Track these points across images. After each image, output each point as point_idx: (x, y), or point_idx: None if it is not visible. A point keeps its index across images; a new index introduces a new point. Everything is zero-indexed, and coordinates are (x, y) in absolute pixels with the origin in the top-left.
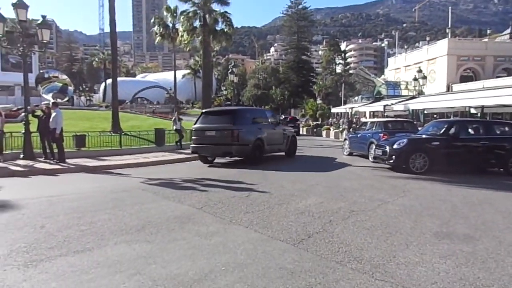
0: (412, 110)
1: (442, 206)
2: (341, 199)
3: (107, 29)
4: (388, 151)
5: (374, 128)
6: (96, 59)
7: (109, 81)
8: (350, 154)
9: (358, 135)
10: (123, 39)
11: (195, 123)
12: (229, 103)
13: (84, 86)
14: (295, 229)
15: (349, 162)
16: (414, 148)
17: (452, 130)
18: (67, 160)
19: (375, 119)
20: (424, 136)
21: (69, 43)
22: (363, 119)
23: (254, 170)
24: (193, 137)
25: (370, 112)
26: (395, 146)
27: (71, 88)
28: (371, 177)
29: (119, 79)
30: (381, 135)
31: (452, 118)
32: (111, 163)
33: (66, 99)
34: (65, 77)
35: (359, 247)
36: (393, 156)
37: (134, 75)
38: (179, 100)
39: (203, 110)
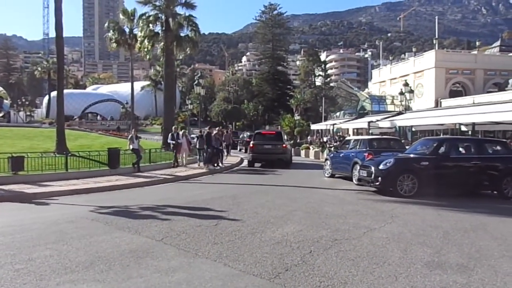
0: (399, 127)
1: (433, 233)
2: (322, 227)
3: (52, 33)
4: (373, 172)
5: (358, 146)
6: (39, 68)
7: (54, 93)
8: (332, 175)
9: (341, 155)
10: (72, 46)
11: (254, 140)
12: (196, 119)
13: (23, 100)
14: (270, 261)
15: (331, 184)
16: (402, 168)
17: (442, 149)
18: (0, 187)
19: (359, 137)
20: (412, 155)
21: (5, 49)
22: (354, 137)
23: (223, 195)
24: (251, 150)
25: (353, 129)
26: (381, 167)
27: (7, 101)
28: (355, 201)
29: (66, 91)
30: (366, 154)
31: (441, 136)
32: (55, 189)
33: (0, 114)
34: (0, 88)
35: (342, 281)
36: (379, 178)
37: (84, 87)
38: (137, 116)
39: (256, 131)
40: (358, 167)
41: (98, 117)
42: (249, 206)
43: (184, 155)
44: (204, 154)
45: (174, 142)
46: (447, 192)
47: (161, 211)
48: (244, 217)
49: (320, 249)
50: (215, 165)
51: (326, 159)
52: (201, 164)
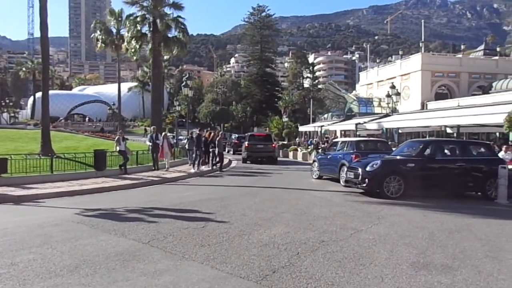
0: (386, 129)
1: (419, 234)
2: (310, 228)
3: (37, 33)
4: (360, 173)
5: (345, 148)
6: (24, 68)
7: (39, 94)
8: (320, 177)
9: (328, 157)
10: (57, 46)
11: (248, 140)
12: (183, 120)
13: (7, 101)
14: (258, 263)
15: (319, 186)
16: (389, 170)
17: (428, 151)
18: None
19: (347, 139)
20: (398, 157)
21: None
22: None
23: (211, 197)
24: (246, 149)
25: (341, 131)
26: (368, 168)
27: None
28: (342, 203)
29: (51, 92)
30: (353, 156)
31: (427, 138)
32: (40, 192)
33: None
34: None
35: (329, 282)
36: (366, 179)
37: (70, 88)
38: (124, 117)
39: (250, 134)
40: (346, 169)
41: (87, 118)
42: (237, 208)
43: (166, 158)
44: (193, 155)
45: (151, 143)
46: (433, 193)
47: (148, 214)
48: (232, 219)
49: (308, 251)
50: (213, 166)
51: (314, 161)
52: (195, 166)
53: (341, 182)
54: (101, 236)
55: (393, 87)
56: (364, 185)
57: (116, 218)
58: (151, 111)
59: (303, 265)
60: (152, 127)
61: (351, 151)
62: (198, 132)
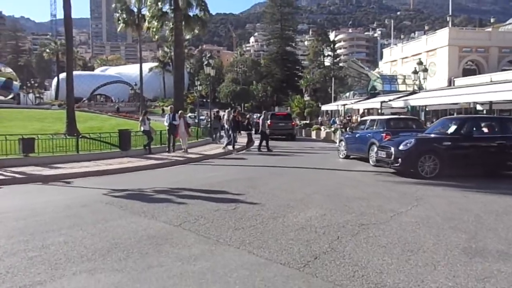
0: (412, 106)
1: (464, 217)
2: (346, 211)
3: (60, 15)
4: (393, 153)
5: (374, 126)
6: (47, 50)
7: (62, 75)
8: (347, 157)
9: (356, 135)
10: (79, 27)
11: (269, 119)
12: (203, 100)
13: (32, 82)
14: (297, 248)
15: (347, 166)
16: (423, 149)
17: (465, 129)
18: (11, 169)
19: (376, 117)
20: (433, 135)
21: (14, 31)
22: (370, 117)
23: (238, 177)
24: (269, 127)
25: (364, 109)
26: (401, 147)
27: (16, 83)
28: (375, 183)
29: (74, 73)
30: (383, 134)
31: (463, 115)
32: (67, 172)
33: (10, 96)
34: (9, 70)
35: (377, 270)
36: (399, 159)
37: (92, 69)
38: (146, 97)
39: (271, 113)
40: (376, 148)
41: (113, 98)
42: (266, 188)
43: (185, 140)
44: (217, 135)
45: (168, 123)
46: (470, 172)
47: (176, 195)
48: (263, 201)
49: (348, 235)
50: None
51: (341, 140)
52: (226, 145)
53: (371, 161)
54: (131, 218)
55: (420, 63)
56: (397, 164)
57: (144, 199)
58: (173, 90)
59: (346, 251)
60: (169, 107)
61: (382, 129)
62: (233, 114)
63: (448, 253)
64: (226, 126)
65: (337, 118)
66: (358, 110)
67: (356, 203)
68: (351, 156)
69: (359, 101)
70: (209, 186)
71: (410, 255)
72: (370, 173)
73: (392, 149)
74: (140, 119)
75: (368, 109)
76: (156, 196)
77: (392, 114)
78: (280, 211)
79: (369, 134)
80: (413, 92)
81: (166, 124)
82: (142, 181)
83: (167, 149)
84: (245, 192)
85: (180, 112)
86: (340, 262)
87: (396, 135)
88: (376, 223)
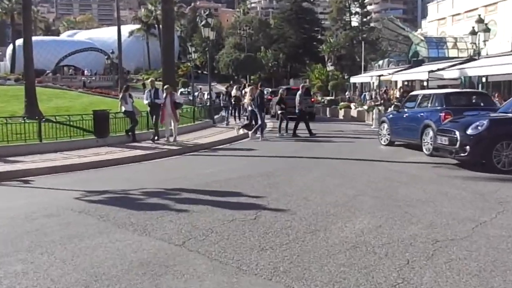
0: (468, 77)
1: None
2: (408, 220)
3: None
4: (458, 138)
5: (429, 104)
6: None
7: (19, 41)
8: (391, 143)
9: (404, 116)
10: None
11: (286, 95)
12: (198, 71)
13: None
14: (354, 280)
15: (393, 156)
16: (500, 133)
17: None
18: None
19: (430, 91)
20: None
21: None
22: (422, 92)
23: (253, 173)
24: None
25: (404, 81)
26: (469, 131)
27: None
28: (437, 179)
29: (35, 38)
30: (442, 114)
31: None
32: (26, 167)
33: None
34: None
35: None
36: (467, 147)
37: (57, 33)
38: (126, 69)
39: (287, 87)
40: (432, 132)
41: (85, 70)
42: (292, 189)
43: (171, 123)
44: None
45: (148, 102)
46: None
47: (173, 198)
48: (292, 206)
49: (421, 258)
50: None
51: (383, 122)
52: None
53: (424, 149)
54: (115, 233)
55: (480, 21)
56: (464, 154)
57: (131, 205)
58: (160, 59)
59: (424, 283)
60: (150, 80)
61: (439, 107)
62: (260, 89)
63: None
64: (249, 106)
65: (367, 93)
66: (396, 82)
67: (419, 208)
68: (396, 142)
69: (398, 71)
70: (217, 186)
71: None
72: (426, 165)
73: (457, 133)
74: (120, 96)
75: (409, 82)
76: (147, 201)
77: (438, 87)
78: (318, 221)
79: (421, 114)
80: (470, 59)
81: (146, 102)
82: (126, 179)
83: (152, 137)
84: (265, 194)
85: (166, 86)
86: None
87: (460, 115)
88: (454, 238)
